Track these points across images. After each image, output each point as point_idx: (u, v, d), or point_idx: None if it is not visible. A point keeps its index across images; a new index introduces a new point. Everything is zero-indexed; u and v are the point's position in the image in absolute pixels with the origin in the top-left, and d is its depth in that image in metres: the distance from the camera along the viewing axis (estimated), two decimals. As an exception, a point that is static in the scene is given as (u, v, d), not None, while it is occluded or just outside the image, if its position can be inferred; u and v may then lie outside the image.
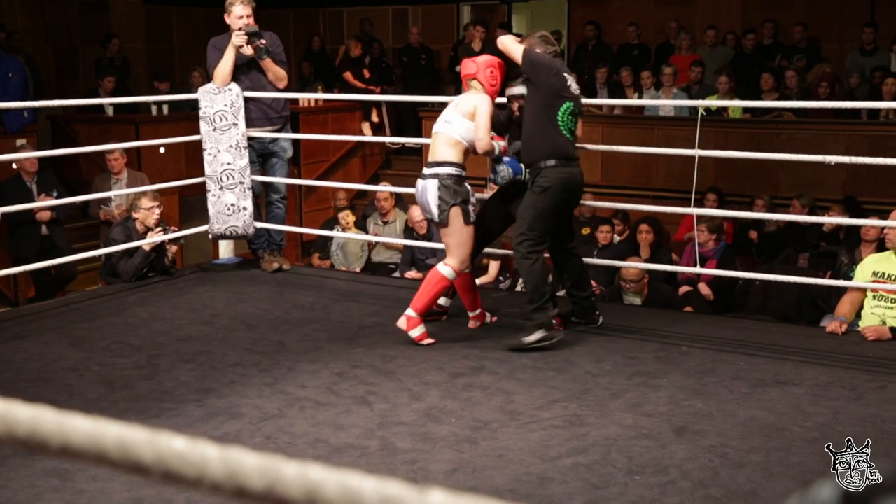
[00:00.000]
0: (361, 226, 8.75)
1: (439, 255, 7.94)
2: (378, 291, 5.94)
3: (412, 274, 7.68)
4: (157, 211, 6.14)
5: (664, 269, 6.31)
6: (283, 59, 6.15)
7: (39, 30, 12.06)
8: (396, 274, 7.91)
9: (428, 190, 4.71)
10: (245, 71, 6.07)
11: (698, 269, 5.82)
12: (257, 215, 6.27)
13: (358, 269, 8.25)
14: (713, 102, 9.16)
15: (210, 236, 6.34)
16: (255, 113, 6.11)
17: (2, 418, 0.82)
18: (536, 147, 4.73)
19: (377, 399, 4.01)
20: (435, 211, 4.69)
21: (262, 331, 5.04)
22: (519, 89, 4.94)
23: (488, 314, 5.10)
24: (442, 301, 5.19)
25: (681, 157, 6.01)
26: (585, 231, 8.41)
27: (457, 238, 4.73)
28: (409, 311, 4.72)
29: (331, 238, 8.45)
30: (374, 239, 8.29)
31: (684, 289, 7.01)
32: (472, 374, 4.34)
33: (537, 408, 3.91)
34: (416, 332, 4.71)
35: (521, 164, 4.87)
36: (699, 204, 7.22)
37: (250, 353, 4.65)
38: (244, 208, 6.10)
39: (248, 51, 5.92)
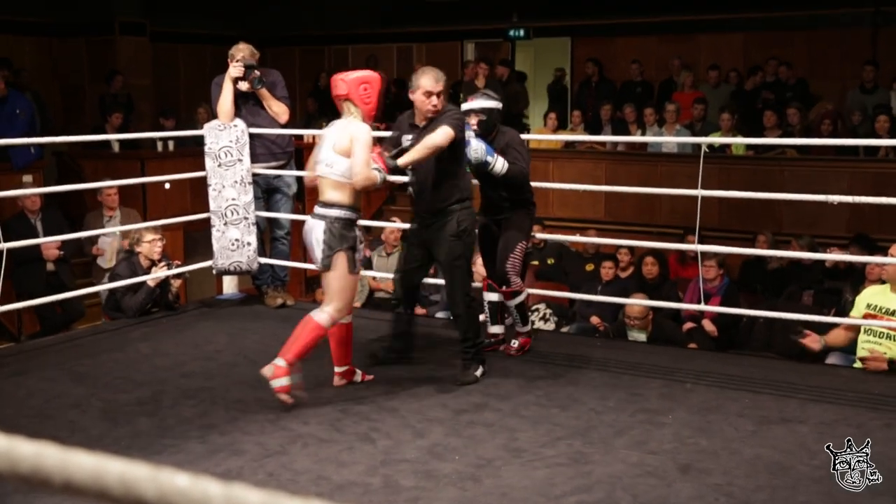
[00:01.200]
0: (366, 262, 8.74)
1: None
2: (381, 327, 5.92)
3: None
4: (160, 244, 6.16)
5: (667, 305, 6.30)
6: (285, 96, 6.20)
7: (46, 67, 12.18)
8: (399, 309, 7.88)
9: (314, 231, 4.38)
10: (248, 108, 6.12)
11: (702, 307, 5.81)
12: (261, 251, 6.28)
13: (358, 305, 8.22)
14: (716, 140, 9.20)
15: (214, 272, 6.34)
16: (260, 149, 6.15)
17: (5, 454, 0.82)
18: (445, 192, 4.68)
19: (380, 436, 3.98)
20: (318, 255, 4.37)
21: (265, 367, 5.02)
22: (479, 102, 5.03)
23: (359, 371, 4.74)
24: (496, 329, 5.31)
25: (679, 194, 6.03)
26: (589, 267, 8.41)
27: (338, 284, 4.38)
28: (278, 360, 4.27)
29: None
30: (377, 275, 8.27)
31: (688, 325, 6.99)
32: (476, 410, 4.32)
33: (541, 445, 3.88)
34: (278, 383, 4.25)
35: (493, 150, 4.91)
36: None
37: (253, 389, 4.62)
38: (248, 244, 6.12)
39: (244, 86, 5.98)
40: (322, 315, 4.35)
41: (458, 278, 4.76)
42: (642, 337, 6.46)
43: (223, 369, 4.97)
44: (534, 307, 7.81)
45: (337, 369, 4.66)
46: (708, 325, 6.92)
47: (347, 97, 4.43)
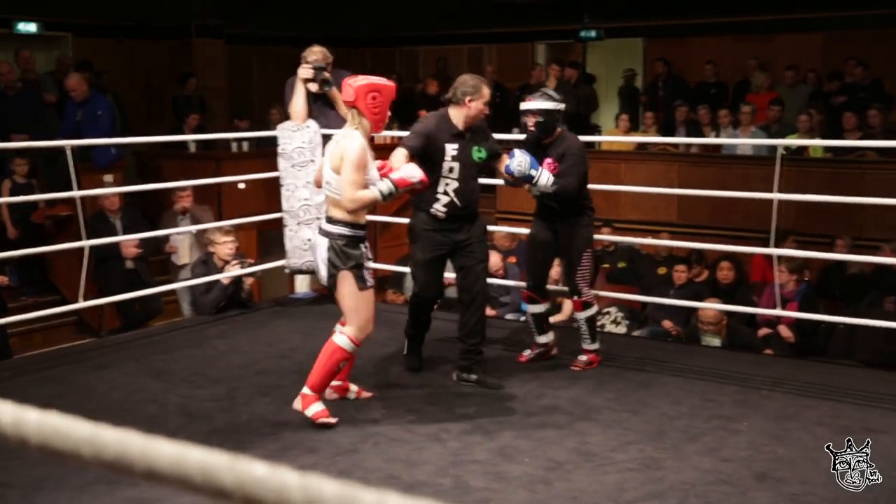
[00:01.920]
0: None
1: (513, 293, 7.92)
2: (451, 328, 5.92)
3: (486, 311, 7.65)
4: (231, 245, 6.28)
5: (741, 310, 6.17)
6: None
7: (128, 69, 12.51)
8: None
9: (318, 248, 4.17)
10: (318, 108, 6.20)
11: (778, 311, 5.67)
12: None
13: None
14: (791, 141, 8.98)
15: (287, 271, 6.43)
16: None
17: (90, 441, 0.83)
18: (476, 195, 4.80)
19: (450, 436, 3.99)
20: (323, 273, 4.16)
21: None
22: (537, 103, 4.80)
23: (355, 387, 4.52)
24: (543, 339, 5.19)
25: (754, 197, 5.88)
26: (662, 271, 8.30)
27: (351, 303, 4.15)
28: (305, 389, 4.12)
29: (405, 273, 8.50)
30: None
31: (764, 331, 6.84)
32: (546, 413, 4.29)
33: (612, 449, 3.84)
34: (312, 411, 4.09)
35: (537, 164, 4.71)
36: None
37: (324, 387, 4.67)
38: (321, 244, 6.17)
39: (313, 87, 6.07)
40: (341, 338, 4.16)
41: (486, 277, 4.88)
42: (716, 342, 6.34)
43: (296, 367, 5.03)
44: (605, 310, 7.74)
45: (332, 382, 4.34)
46: (784, 330, 6.77)
47: (354, 104, 4.05)
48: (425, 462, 3.70)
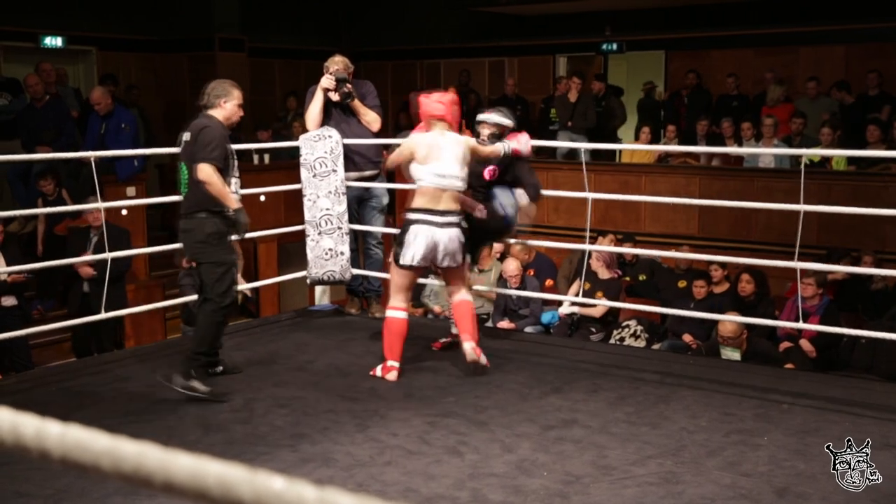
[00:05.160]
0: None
1: (532, 305, 7.92)
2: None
3: (504, 324, 7.65)
4: None
5: (762, 322, 6.13)
6: (376, 105, 6.30)
7: (151, 83, 12.62)
8: (489, 324, 7.89)
9: (453, 238, 4.95)
10: (339, 116, 6.23)
11: (799, 325, 5.62)
12: (355, 261, 6.37)
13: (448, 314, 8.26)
14: (815, 151, 8.92)
15: (308, 281, 6.45)
16: (350, 159, 6.24)
17: (110, 453, 0.84)
18: None
19: (468, 449, 3.98)
20: (459, 257, 5.02)
21: (356, 377, 5.08)
22: (496, 118, 5.22)
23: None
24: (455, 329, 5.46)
25: (781, 209, 5.84)
26: (682, 284, 8.26)
27: (466, 274, 5.28)
28: (474, 344, 5.05)
29: (423, 286, 8.51)
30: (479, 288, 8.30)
31: (785, 345, 6.80)
32: (564, 426, 4.28)
33: (631, 463, 3.82)
34: (484, 358, 5.07)
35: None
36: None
37: (343, 399, 4.69)
38: (342, 253, 6.20)
39: (334, 97, 6.11)
40: (470, 296, 5.20)
41: None
42: (736, 356, 6.30)
43: (315, 379, 5.05)
44: (624, 323, 7.71)
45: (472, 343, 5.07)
46: (806, 344, 6.72)
47: (443, 117, 4.90)
48: (443, 475, 3.70)
